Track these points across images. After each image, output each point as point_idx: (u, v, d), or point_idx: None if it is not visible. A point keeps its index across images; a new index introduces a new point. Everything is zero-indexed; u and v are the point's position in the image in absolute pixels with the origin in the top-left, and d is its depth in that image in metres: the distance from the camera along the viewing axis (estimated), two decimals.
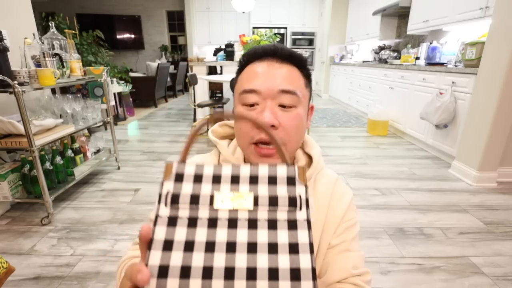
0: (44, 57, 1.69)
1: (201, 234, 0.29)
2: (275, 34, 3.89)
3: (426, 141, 2.89)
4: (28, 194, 1.74)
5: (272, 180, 0.32)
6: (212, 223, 0.30)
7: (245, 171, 0.32)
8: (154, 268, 0.27)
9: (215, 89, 4.51)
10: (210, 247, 0.29)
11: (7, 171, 1.64)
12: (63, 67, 1.91)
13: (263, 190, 0.31)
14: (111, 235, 1.58)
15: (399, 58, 4.12)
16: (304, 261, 0.28)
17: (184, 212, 0.30)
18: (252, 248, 0.29)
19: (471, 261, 1.38)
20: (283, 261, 0.28)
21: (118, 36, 7.69)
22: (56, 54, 1.82)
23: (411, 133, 3.18)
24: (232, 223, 0.30)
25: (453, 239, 1.55)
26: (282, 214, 0.30)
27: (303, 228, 0.30)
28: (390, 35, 4.61)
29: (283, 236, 0.29)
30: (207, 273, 0.27)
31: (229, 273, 0.27)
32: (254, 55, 0.51)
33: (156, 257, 0.28)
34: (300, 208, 0.31)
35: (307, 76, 0.53)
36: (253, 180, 0.32)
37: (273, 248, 0.29)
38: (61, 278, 1.27)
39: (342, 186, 0.59)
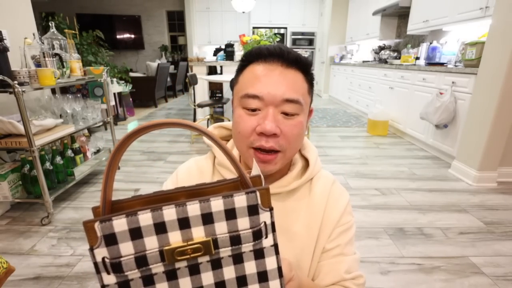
0: (44, 57, 1.69)
1: None
2: (275, 34, 3.89)
3: (426, 141, 2.88)
4: (28, 194, 1.74)
5: (230, 214, 0.27)
6: (171, 275, 0.26)
7: (193, 210, 0.26)
8: None
9: (215, 89, 4.51)
10: None
11: (7, 171, 1.64)
12: (63, 67, 1.91)
13: (222, 228, 0.26)
14: None
15: (399, 58, 4.11)
16: (274, 287, 0.28)
17: (134, 274, 0.25)
18: (220, 287, 0.27)
19: (471, 261, 1.38)
20: None
21: (118, 36, 7.69)
22: (56, 54, 1.82)
23: (411, 133, 3.18)
24: (194, 269, 0.26)
25: (453, 239, 1.55)
26: (247, 247, 0.27)
27: (270, 254, 0.28)
28: (390, 35, 4.60)
29: (250, 267, 0.27)
30: None
31: None
32: (258, 56, 0.49)
33: None
34: (266, 236, 0.28)
35: (310, 81, 0.51)
36: (207, 219, 0.26)
37: (242, 281, 0.27)
38: (61, 278, 1.27)
39: (338, 188, 0.59)
